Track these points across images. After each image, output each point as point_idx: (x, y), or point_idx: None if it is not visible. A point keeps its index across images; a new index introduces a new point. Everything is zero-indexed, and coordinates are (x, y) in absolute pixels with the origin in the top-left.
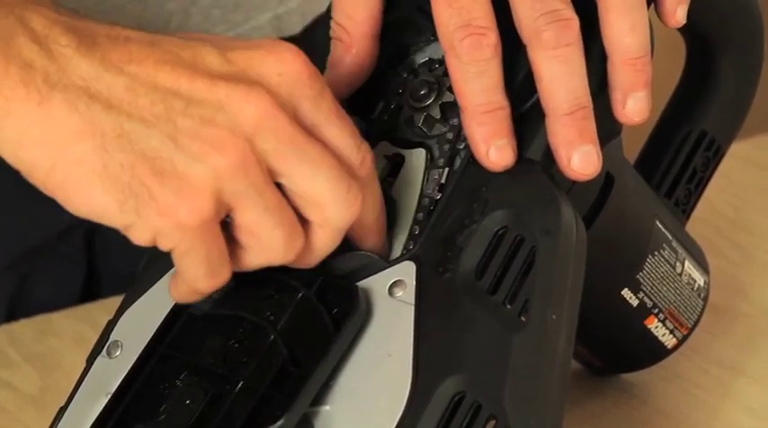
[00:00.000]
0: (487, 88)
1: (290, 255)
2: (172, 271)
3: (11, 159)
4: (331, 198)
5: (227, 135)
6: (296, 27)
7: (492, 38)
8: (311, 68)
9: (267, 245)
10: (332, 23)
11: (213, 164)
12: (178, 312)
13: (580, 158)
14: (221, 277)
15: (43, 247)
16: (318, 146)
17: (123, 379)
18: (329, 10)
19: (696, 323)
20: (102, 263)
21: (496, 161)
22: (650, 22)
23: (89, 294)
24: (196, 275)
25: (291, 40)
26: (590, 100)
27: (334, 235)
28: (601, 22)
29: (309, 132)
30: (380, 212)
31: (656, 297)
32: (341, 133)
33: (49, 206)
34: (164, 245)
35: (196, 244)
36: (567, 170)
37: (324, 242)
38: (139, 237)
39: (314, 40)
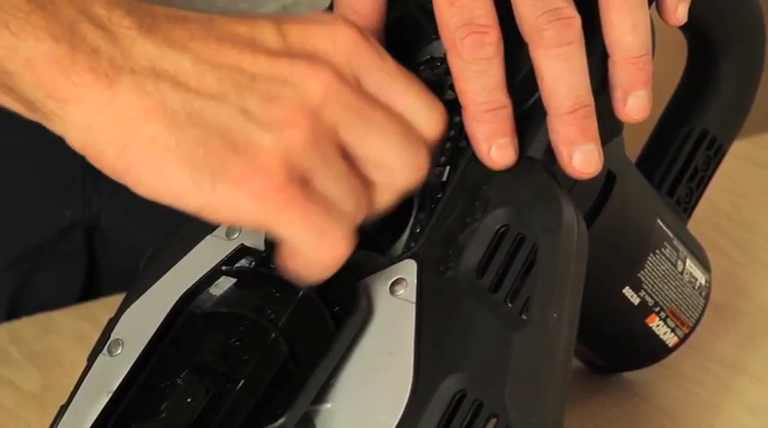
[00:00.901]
0: (489, 87)
1: (357, 220)
2: (173, 269)
3: (78, 144)
4: (398, 162)
5: (296, 108)
6: None
7: (493, 36)
8: (364, 35)
9: (342, 212)
10: None
11: (285, 137)
12: (179, 310)
13: (581, 157)
14: (336, 238)
15: (44, 246)
16: (383, 112)
17: (124, 378)
18: (332, 5)
19: (697, 321)
20: (103, 260)
21: (498, 160)
22: (651, 21)
23: (90, 292)
24: (306, 244)
25: None
26: (591, 98)
27: (396, 195)
28: (602, 20)
29: (375, 97)
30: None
31: (657, 295)
32: (408, 93)
33: (50, 204)
34: (248, 221)
35: (282, 212)
36: (569, 169)
37: (386, 202)
38: (219, 215)
39: None
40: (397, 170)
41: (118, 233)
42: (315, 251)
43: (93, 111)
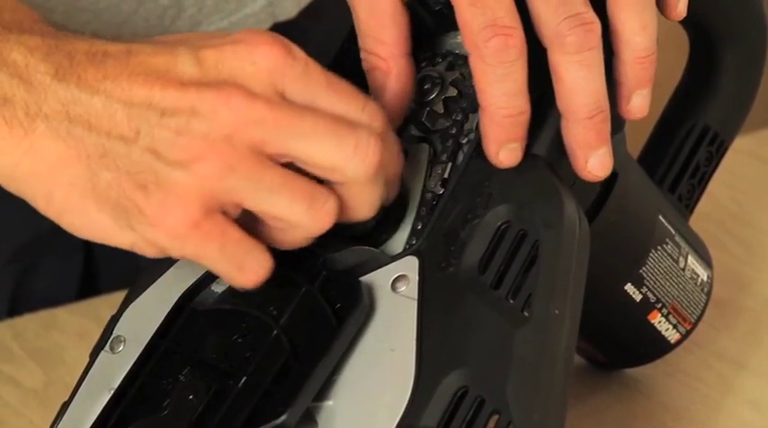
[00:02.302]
0: (511, 92)
1: (324, 220)
2: (175, 266)
3: (14, 192)
4: (341, 160)
5: (203, 141)
6: (291, 12)
7: (518, 38)
8: (288, 49)
9: (292, 221)
10: (362, 54)
11: (195, 171)
12: (181, 307)
13: (596, 160)
14: (254, 267)
15: (42, 240)
16: (309, 118)
17: (127, 374)
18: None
19: (699, 318)
20: (101, 255)
21: (504, 161)
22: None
23: (88, 287)
24: (227, 273)
25: (286, 24)
26: (608, 103)
27: (365, 187)
28: (612, 19)
29: (303, 106)
30: (400, 163)
31: (659, 291)
32: (338, 101)
33: None
34: (174, 255)
35: (201, 246)
36: (583, 172)
37: (360, 196)
38: (147, 252)
39: (309, 24)
40: (342, 166)
41: None
42: (236, 278)
43: (13, 161)
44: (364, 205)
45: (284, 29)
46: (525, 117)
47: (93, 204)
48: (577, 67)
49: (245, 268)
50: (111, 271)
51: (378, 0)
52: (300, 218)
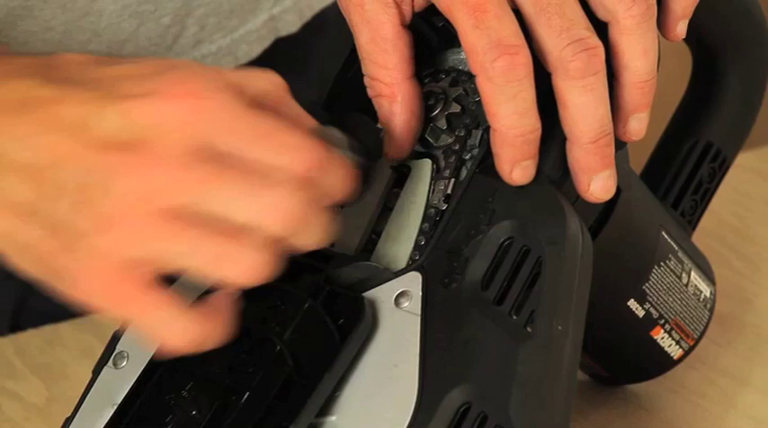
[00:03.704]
0: (521, 111)
1: (249, 275)
2: (177, 282)
3: None
4: (256, 218)
5: (112, 208)
6: (293, 26)
7: (524, 56)
8: (207, 98)
9: (218, 279)
10: (366, 81)
11: (106, 239)
12: None
13: (599, 183)
14: (176, 333)
15: None
16: (222, 177)
17: (130, 390)
18: (324, 13)
19: (702, 334)
20: None
21: (518, 180)
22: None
23: None
24: (151, 336)
25: (289, 39)
26: (612, 126)
27: (295, 237)
28: (613, 43)
29: (222, 164)
30: (346, 190)
31: (662, 307)
32: (266, 151)
33: None
34: (102, 314)
35: (121, 310)
36: (586, 195)
37: (296, 241)
38: (88, 305)
39: (312, 39)
40: (259, 224)
41: None
42: (161, 338)
43: None
44: (305, 244)
45: (287, 44)
46: (537, 134)
47: (27, 260)
48: (581, 92)
49: (167, 334)
50: None
51: (379, 25)
52: (225, 275)
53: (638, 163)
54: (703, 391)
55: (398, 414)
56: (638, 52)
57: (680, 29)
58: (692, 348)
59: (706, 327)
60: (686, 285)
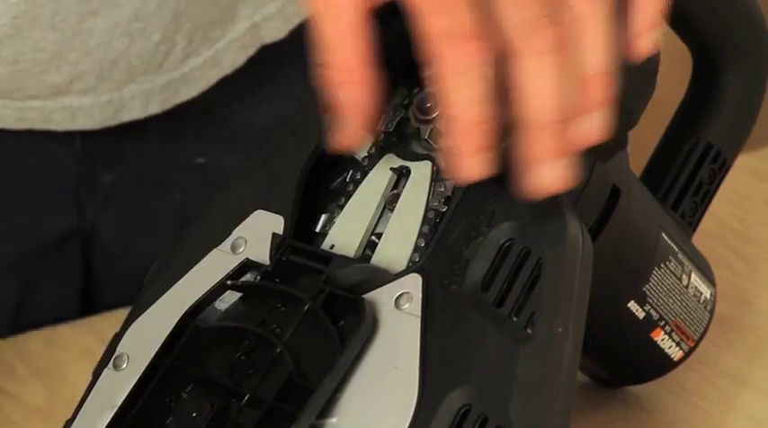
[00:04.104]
0: (479, 98)
1: None
2: (178, 283)
3: None
4: None
5: None
6: (279, 32)
7: (484, 43)
8: None
9: None
10: (324, 72)
11: None
12: (184, 325)
13: (553, 173)
14: None
15: (40, 256)
16: None
17: (130, 392)
18: None
19: (702, 335)
20: (100, 271)
21: (473, 173)
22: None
23: (88, 303)
24: None
25: (276, 45)
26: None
27: None
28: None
29: None
30: None
31: (662, 309)
32: None
33: (44, 214)
34: None
35: None
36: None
37: None
38: None
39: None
40: None
41: (115, 243)
42: None
43: None
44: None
45: (274, 50)
46: (491, 124)
47: None
48: (539, 69)
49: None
50: (111, 287)
51: (342, 10)
52: None
53: (638, 164)
54: (703, 392)
55: (399, 415)
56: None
57: (644, 44)
58: (692, 349)
59: (706, 329)
60: (686, 287)
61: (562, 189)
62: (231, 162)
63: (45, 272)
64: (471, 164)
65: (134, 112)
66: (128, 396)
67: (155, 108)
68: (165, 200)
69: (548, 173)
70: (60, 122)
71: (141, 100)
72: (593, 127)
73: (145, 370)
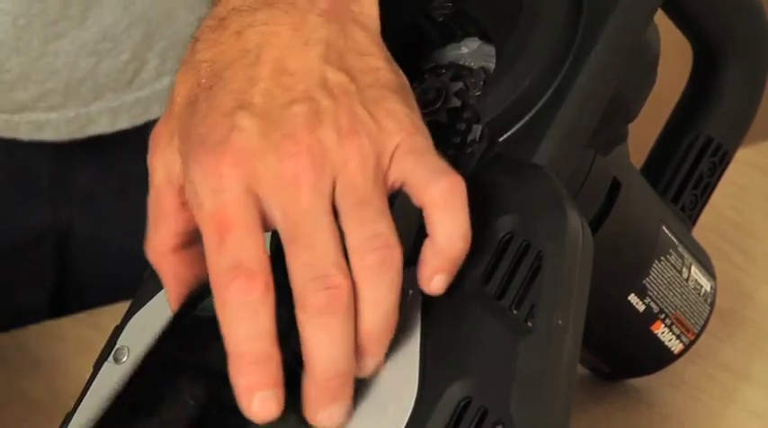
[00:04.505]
0: (255, 335)
1: None
2: None
3: None
4: None
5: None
6: None
7: (262, 281)
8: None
9: None
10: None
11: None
12: (184, 314)
13: (326, 415)
14: None
15: (13, 254)
16: None
17: (128, 379)
18: None
19: (703, 328)
20: (75, 271)
21: (256, 412)
22: (657, 28)
23: (60, 304)
24: None
25: None
26: (352, 365)
27: None
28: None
29: None
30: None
31: (662, 302)
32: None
33: (17, 213)
34: None
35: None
36: (313, 420)
37: None
38: None
39: None
40: None
41: (91, 242)
42: None
43: None
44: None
45: None
46: (273, 360)
47: None
48: (316, 329)
49: None
50: (85, 287)
51: (162, 197)
52: None
53: (638, 158)
54: (703, 386)
55: (399, 408)
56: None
57: (436, 283)
58: (692, 342)
59: (706, 322)
60: (687, 280)
61: None
62: None
63: (17, 272)
64: (251, 404)
65: (102, 127)
66: (126, 383)
67: (123, 124)
68: (140, 198)
69: (324, 415)
70: (27, 133)
71: (109, 116)
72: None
73: (143, 358)
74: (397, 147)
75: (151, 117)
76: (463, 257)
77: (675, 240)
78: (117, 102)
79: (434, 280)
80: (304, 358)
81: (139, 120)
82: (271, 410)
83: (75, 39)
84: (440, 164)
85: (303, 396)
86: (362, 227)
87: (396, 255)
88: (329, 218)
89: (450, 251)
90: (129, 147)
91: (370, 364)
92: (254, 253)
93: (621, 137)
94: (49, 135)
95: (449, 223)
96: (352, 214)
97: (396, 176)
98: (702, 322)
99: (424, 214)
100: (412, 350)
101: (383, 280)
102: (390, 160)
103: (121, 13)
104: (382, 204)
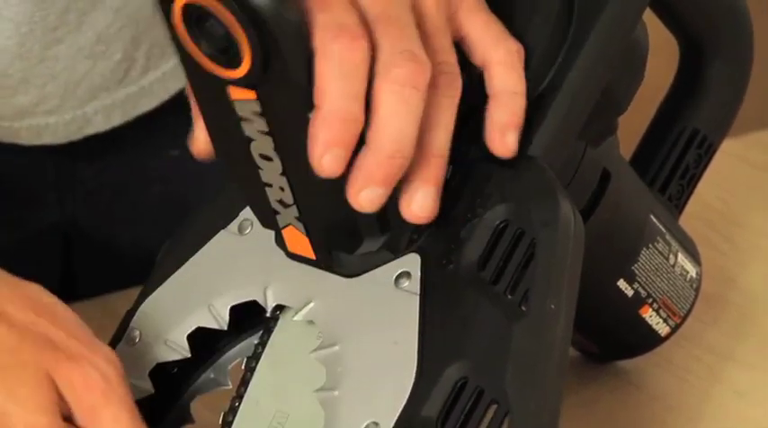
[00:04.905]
0: (349, 94)
1: None
2: (188, 262)
3: None
4: None
5: None
6: None
7: (364, 45)
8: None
9: None
10: None
11: None
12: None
13: (368, 196)
14: None
15: (19, 249)
16: None
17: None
18: None
19: (688, 312)
20: (80, 263)
21: (326, 167)
22: (645, 25)
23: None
24: None
25: None
26: (410, 155)
27: None
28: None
29: None
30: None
31: (650, 287)
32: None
33: (24, 208)
34: None
35: None
36: (352, 198)
37: None
38: None
39: None
40: None
41: (96, 234)
42: None
43: None
44: None
45: None
46: (357, 126)
47: None
48: (396, 99)
49: None
50: (91, 280)
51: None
52: None
53: (627, 149)
54: (689, 367)
55: (398, 389)
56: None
57: (510, 139)
58: (678, 326)
59: (692, 306)
60: (673, 266)
61: (373, 210)
62: None
63: (26, 265)
64: (324, 158)
65: (97, 126)
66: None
67: (117, 120)
68: (144, 191)
69: (365, 194)
70: (27, 139)
71: (104, 114)
72: (420, 202)
73: None
74: (463, 2)
75: (140, 111)
76: (524, 112)
77: (663, 228)
78: (110, 101)
79: (507, 137)
80: (372, 131)
81: (130, 116)
82: (337, 168)
83: (73, 43)
84: (503, 28)
85: (354, 170)
86: (434, 54)
87: (457, 84)
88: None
89: (516, 104)
90: (124, 143)
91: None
92: (356, 20)
93: (611, 129)
94: (48, 139)
95: (514, 79)
96: (425, 41)
97: (459, 26)
98: (688, 306)
99: (488, 72)
100: (411, 333)
101: (446, 102)
102: (457, 9)
103: (113, 16)
104: (449, 40)
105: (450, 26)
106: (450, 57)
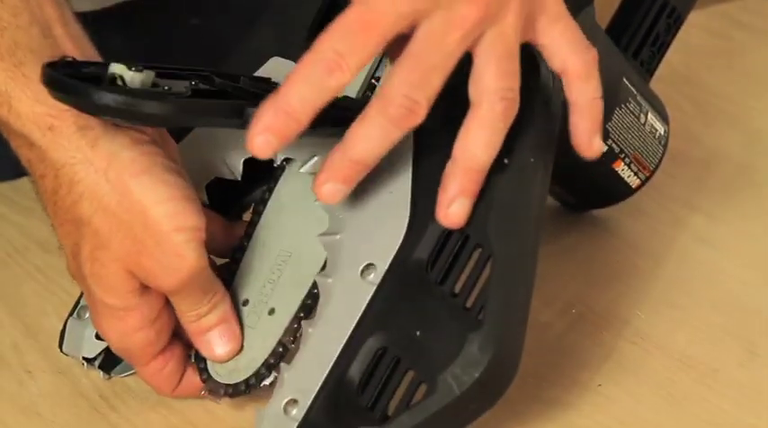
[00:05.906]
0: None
1: None
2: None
3: None
4: None
5: None
6: None
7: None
8: None
9: None
10: None
11: None
12: None
13: (457, 208)
14: None
15: None
16: None
17: None
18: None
19: (657, 166)
20: None
21: (254, 147)
22: None
23: None
24: None
25: None
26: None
27: None
28: (463, 125)
29: None
30: None
31: (622, 144)
32: None
33: None
34: None
35: None
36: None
37: None
38: None
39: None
40: None
41: None
42: None
43: None
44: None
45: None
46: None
47: None
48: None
49: None
50: None
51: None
52: None
53: (604, 18)
54: (658, 215)
55: (393, 235)
56: (481, 142)
57: (596, 144)
58: (648, 178)
59: (660, 160)
60: (644, 124)
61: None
62: (221, 23)
63: None
64: (259, 141)
65: None
66: None
67: None
68: (166, 62)
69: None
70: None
71: None
72: (459, 211)
73: None
74: (544, 10)
75: None
76: (602, 114)
77: (635, 90)
78: None
79: (594, 141)
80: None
81: None
82: (267, 149)
83: None
84: (581, 35)
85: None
86: (502, 78)
87: (513, 111)
88: None
89: (596, 110)
90: (151, 15)
91: (465, 206)
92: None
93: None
94: (86, 6)
95: (592, 87)
96: (497, 65)
97: (537, 35)
98: (657, 160)
99: (566, 80)
100: (404, 182)
101: (499, 126)
102: (537, 18)
103: None
104: (518, 64)
105: (528, 35)
106: (515, 83)
